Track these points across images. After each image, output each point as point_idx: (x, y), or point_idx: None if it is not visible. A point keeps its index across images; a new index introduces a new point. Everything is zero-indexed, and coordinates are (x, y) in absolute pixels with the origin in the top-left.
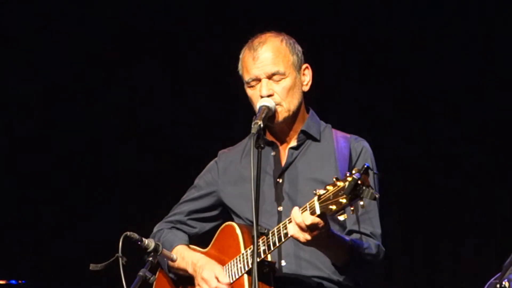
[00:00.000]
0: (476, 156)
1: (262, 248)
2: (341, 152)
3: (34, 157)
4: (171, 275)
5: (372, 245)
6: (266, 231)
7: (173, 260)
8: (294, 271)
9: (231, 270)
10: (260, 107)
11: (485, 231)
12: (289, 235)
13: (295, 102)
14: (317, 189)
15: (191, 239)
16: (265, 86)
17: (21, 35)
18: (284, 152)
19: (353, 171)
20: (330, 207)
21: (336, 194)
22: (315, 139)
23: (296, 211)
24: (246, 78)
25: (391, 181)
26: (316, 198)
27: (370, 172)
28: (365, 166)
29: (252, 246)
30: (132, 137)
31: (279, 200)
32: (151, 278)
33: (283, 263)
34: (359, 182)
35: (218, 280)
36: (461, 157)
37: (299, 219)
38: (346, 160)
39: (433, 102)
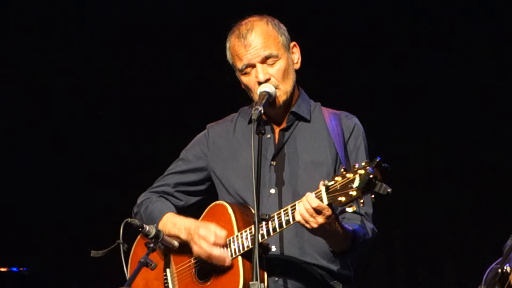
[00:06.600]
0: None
1: (260, 232)
2: (334, 131)
3: (34, 148)
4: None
5: (369, 230)
6: (267, 216)
7: (174, 247)
8: (283, 257)
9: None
10: (261, 93)
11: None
12: (296, 219)
13: (291, 83)
14: (325, 180)
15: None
16: (261, 72)
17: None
18: (277, 134)
19: (363, 164)
20: (339, 198)
21: (345, 186)
22: (305, 120)
23: (311, 195)
24: (240, 66)
25: None
26: (323, 188)
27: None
28: (377, 159)
29: (248, 229)
30: (133, 126)
31: (271, 182)
32: (153, 265)
33: (273, 248)
34: (371, 176)
35: (216, 234)
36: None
37: (310, 205)
38: (340, 139)
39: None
